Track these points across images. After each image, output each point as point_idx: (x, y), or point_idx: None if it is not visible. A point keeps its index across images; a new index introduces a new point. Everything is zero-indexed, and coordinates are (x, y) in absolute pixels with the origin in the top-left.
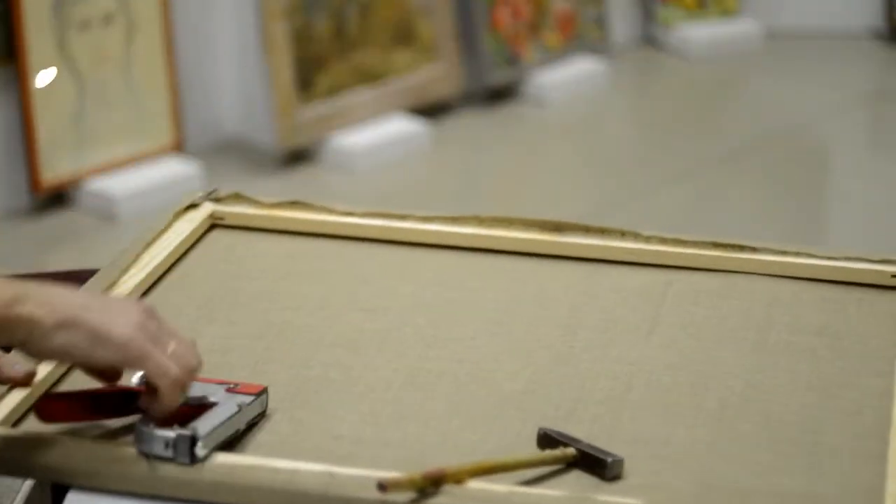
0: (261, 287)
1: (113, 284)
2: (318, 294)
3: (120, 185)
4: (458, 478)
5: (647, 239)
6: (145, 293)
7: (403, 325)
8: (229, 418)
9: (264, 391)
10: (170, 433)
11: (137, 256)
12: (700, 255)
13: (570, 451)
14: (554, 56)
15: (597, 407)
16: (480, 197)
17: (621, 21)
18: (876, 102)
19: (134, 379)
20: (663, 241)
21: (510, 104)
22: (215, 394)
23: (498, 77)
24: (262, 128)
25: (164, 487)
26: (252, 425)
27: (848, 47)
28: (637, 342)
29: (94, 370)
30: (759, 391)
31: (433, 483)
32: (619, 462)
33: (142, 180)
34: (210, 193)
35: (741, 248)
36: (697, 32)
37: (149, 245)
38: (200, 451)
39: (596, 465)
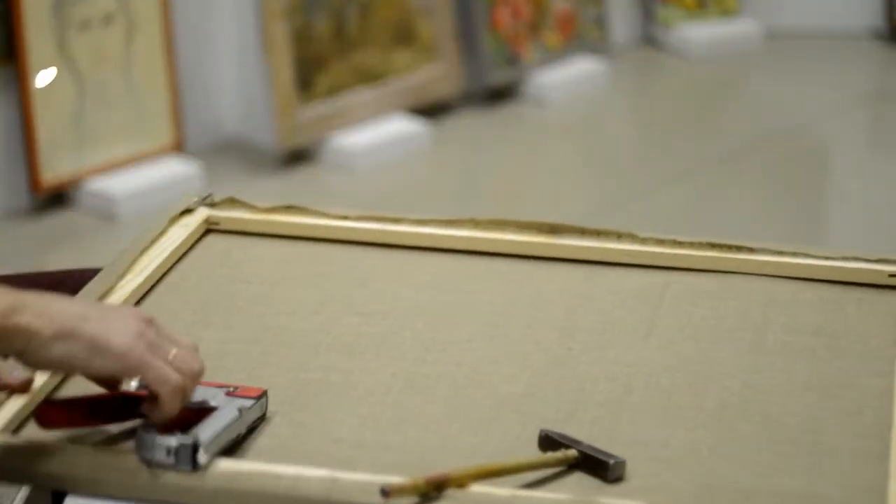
0: (257, 291)
1: (109, 290)
2: (314, 298)
3: (120, 185)
4: (460, 482)
5: (644, 240)
6: (142, 298)
7: (401, 328)
8: (230, 423)
9: (264, 394)
10: (171, 440)
11: (133, 262)
12: (697, 255)
13: (572, 453)
14: (554, 56)
15: (596, 409)
16: (480, 197)
17: (621, 21)
18: (876, 102)
19: (133, 383)
20: (660, 242)
21: (510, 104)
22: (215, 398)
23: (498, 77)
24: (262, 128)
25: (165, 494)
26: (252, 429)
27: (848, 47)
28: (635, 344)
29: (94, 377)
30: (758, 392)
31: (436, 488)
32: (621, 464)
33: (142, 180)
34: (205, 198)
35: (738, 248)
36: (697, 32)
37: (144, 250)
38: (202, 458)
39: (598, 466)
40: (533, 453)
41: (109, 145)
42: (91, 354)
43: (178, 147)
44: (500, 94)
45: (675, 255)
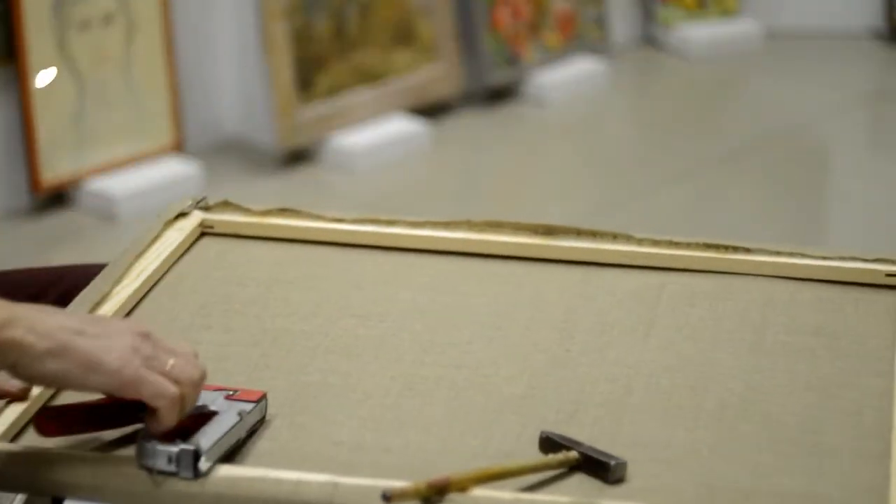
0: (253, 294)
1: (106, 295)
2: (311, 300)
3: (120, 185)
4: (462, 485)
5: (640, 241)
6: (138, 302)
7: (399, 330)
8: (231, 429)
9: (263, 397)
10: (172, 448)
11: (129, 266)
12: (693, 256)
13: (573, 454)
14: (554, 56)
15: (596, 410)
16: (480, 197)
17: (621, 21)
18: (876, 102)
19: None
20: (656, 243)
21: (510, 104)
22: (215, 402)
23: (498, 77)
24: (262, 128)
25: (166, 501)
26: (252, 432)
27: (848, 47)
28: (634, 345)
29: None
30: (758, 392)
31: (437, 492)
32: (622, 465)
33: (142, 180)
34: (199, 202)
35: (735, 249)
36: (697, 32)
37: (140, 255)
38: (204, 464)
39: (599, 468)
40: (534, 455)
41: (109, 145)
42: (85, 371)
43: (178, 147)
44: (500, 94)
45: (672, 255)
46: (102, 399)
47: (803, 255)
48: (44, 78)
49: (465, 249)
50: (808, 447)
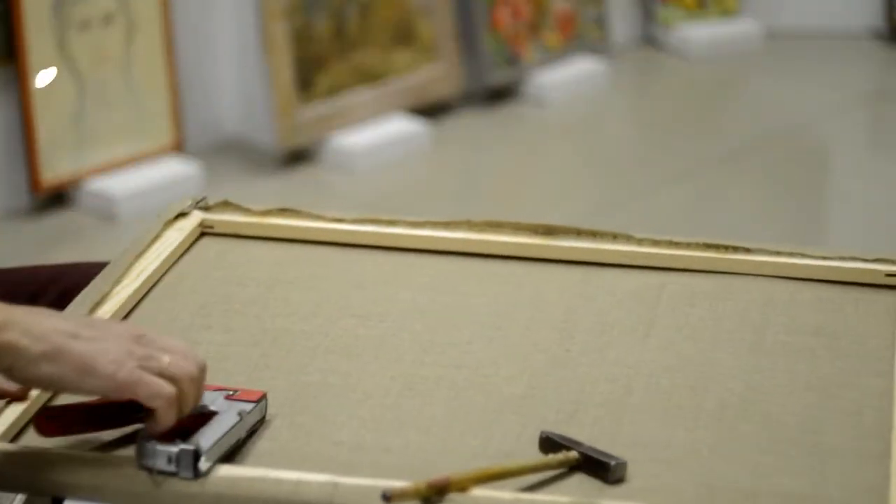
0: (253, 294)
1: (106, 295)
2: (311, 300)
3: (120, 185)
4: (462, 485)
5: (640, 241)
6: (138, 303)
7: (399, 330)
8: (231, 429)
9: (263, 397)
10: (172, 448)
11: (129, 266)
12: (693, 256)
13: (573, 454)
14: (554, 56)
15: (596, 410)
16: (480, 197)
17: (621, 21)
18: (876, 102)
19: None
20: (655, 243)
21: (510, 104)
22: (215, 401)
23: (498, 77)
24: (262, 128)
25: (166, 501)
26: (252, 432)
27: (848, 47)
28: (634, 345)
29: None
30: (758, 392)
31: (437, 492)
32: (622, 465)
33: (142, 180)
34: (199, 202)
35: (735, 248)
36: (697, 32)
37: (140, 255)
38: (204, 464)
39: (599, 468)
40: (534, 455)
41: (109, 145)
42: (80, 375)
43: (178, 147)
44: (500, 94)
45: (672, 255)
46: (102, 399)
47: (803, 255)
48: (44, 78)
49: (465, 249)
50: (808, 447)
